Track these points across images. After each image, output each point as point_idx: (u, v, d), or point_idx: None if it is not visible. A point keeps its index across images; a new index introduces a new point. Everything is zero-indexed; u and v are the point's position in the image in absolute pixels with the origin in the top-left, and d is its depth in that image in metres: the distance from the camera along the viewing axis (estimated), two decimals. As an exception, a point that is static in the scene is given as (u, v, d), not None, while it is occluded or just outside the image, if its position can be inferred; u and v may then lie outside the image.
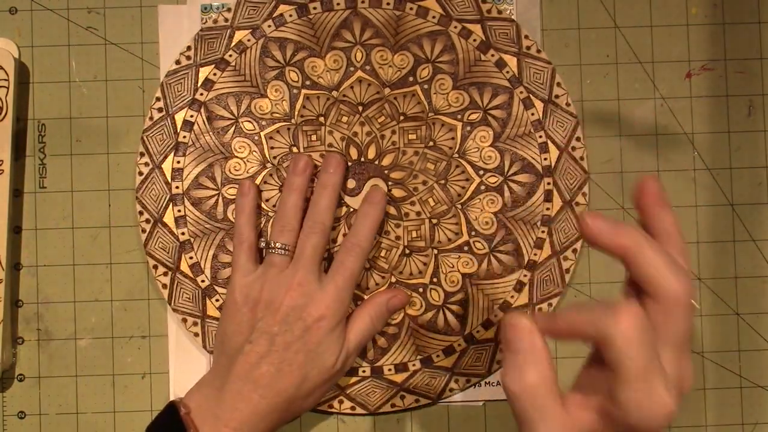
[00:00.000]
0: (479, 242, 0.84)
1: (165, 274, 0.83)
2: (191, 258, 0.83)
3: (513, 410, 0.57)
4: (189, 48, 0.84)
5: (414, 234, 0.84)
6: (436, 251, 0.84)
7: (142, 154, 0.83)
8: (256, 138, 0.83)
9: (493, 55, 0.84)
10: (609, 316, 0.53)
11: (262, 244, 0.81)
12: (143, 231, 0.83)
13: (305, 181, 0.81)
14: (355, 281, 0.80)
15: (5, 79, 0.82)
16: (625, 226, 0.56)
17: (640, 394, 0.53)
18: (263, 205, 0.83)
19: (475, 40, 0.84)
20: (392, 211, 0.83)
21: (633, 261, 0.56)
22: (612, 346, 0.53)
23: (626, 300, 0.54)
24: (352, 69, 0.84)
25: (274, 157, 0.83)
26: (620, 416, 0.54)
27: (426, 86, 0.84)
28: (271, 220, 0.83)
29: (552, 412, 0.56)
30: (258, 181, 0.83)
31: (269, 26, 0.84)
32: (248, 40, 0.84)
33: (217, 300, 0.83)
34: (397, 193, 0.83)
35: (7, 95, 0.82)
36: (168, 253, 0.83)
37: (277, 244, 0.79)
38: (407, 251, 0.84)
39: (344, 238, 0.81)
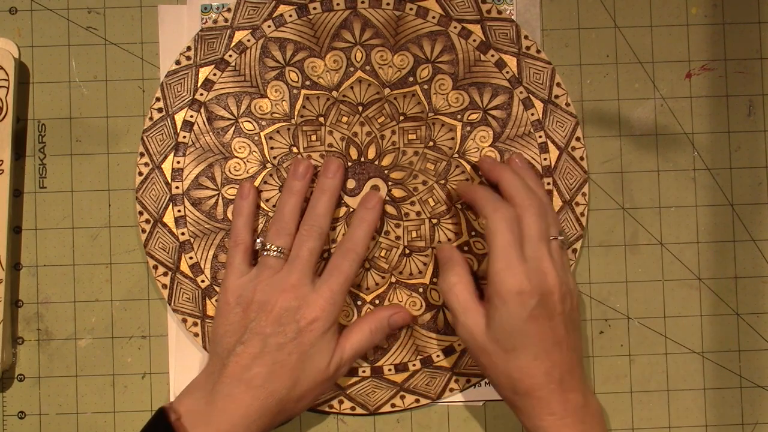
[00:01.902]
0: (479, 242, 0.84)
1: (165, 274, 0.83)
2: (191, 258, 0.83)
3: (446, 305, 0.80)
4: (189, 48, 0.84)
5: (414, 234, 0.84)
6: (436, 251, 0.84)
7: (142, 154, 0.83)
8: (256, 138, 0.84)
9: (492, 56, 0.84)
10: (491, 206, 0.77)
11: (258, 246, 0.81)
12: (143, 231, 0.83)
13: (305, 185, 0.81)
14: (349, 285, 0.80)
15: (5, 79, 0.82)
16: (499, 164, 0.82)
17: (501, 264, 0.75)
18: (263, 205, 0.83)
19: (474, 41, 0.84)
20: (392, 211, 0.83)
21: (500, 183, 0.80)
22: (487, 228, 0.76)
23: (505, 203, 0.77)
24: (352, 69, 0.84)
25: (274, 158, 0.83)
26: (490, 288, 0.75)
27: (426, 86, 0.84)
28: (270, 222, 0.82)
29: (469, 303, 0.77)
30: (258, 181, 0.83)
31: (269, 26, 0.84)
32: (248, 41, 0.84)
33: (217, 300, 0.83)
34: (397, 193, 0.83)
35: (7, 95, 0.82)
36: (168, 253, 0.83)
37: (273, 247, 0.79)
38: (407, 251, 0.84)
39: (340, 242, 0.81)
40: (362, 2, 0.84)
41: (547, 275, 0.75)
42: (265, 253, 0.79)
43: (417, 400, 0.83)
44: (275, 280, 0.78)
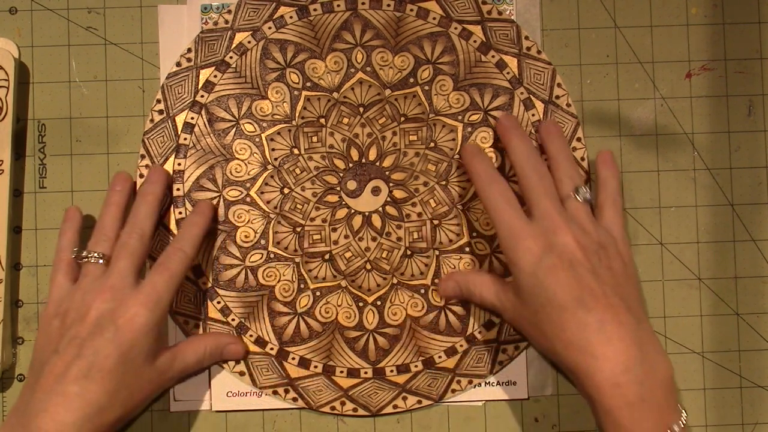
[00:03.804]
0: (480, 243, 0.84)
1: (166, 276, 0.83)
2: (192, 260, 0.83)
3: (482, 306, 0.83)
4: (189, 50, 0.84)
5: (415, 235, 0.84)
6: (437, 252, 0.84)
7: (143, 156, 0.83)
8: (257, 140, 0.83)
9: (493, 56, 0.84)
10: (486, 179, 0.78)
11: (74, 254, 0.79)
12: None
13: (122, 196, 0.81)
14: (176, 284, 0.78)
15: (5, 79, 0.82)
16: (510, 129, 0.81)
17: (504, 232, 0.76)
18: (264, 206, 0.83)
19: (475, 41, 0.84)
20: (393, 212, 0.84)
21: (506, 149, 0.81)
22: (485, 205, 0.78)
23: (498, 176, 0.79)
24: (352, 70, 0.84)
25: (275, 159, 0.83)
26: (507, 261, 0.77)
27: (427, 87, 0.84)
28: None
29: (496, 286, 0.79)
30: (259, 182, 0.83)
31: (270, 28, 0.84)
32: (249, 42, 0.84)
33: (218, 302, 0.83)
34: (399, 194, 0.83)
35: (7, 95, 0.82)
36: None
37: (92, 253, 0.78)
38: (408, 252, 0.84)
39: (168, 245, 0.80)
40: (363, 3, 0.84)
41: (557, 230, 0.74)
42: (85, 260, 0.78)
43: (419, 401, 0.83)
44: (94, 284, 0.76)
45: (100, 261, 0.78)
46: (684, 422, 0.71)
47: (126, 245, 0.78)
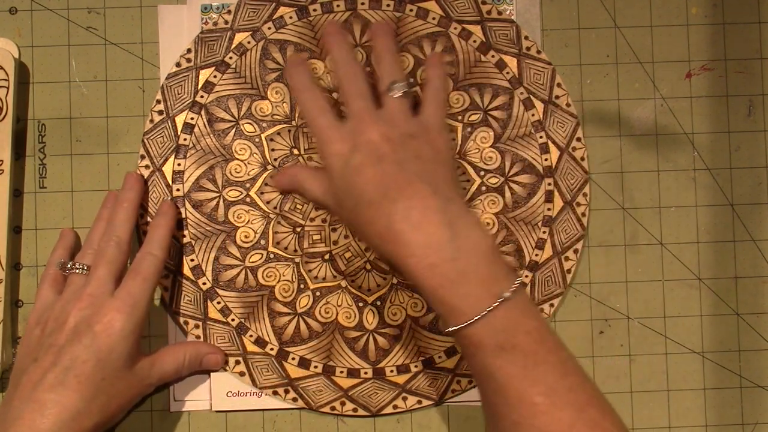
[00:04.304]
0: None
1: (166, 276, 0.83)
2: (192, 260, 0.83)
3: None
4: (189, 50, 0.84)
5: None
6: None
7: (142, 157, 0.83)
8: (257, 140, 0.84)
9: (493, 56, 0.84)
10: (299, 88, 0.77)
11: (58, 266, 0.80)
12: (144, 233, 0.83)
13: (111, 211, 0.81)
14: (151, 288, 0.78)
15: (5, 79, 0.82)
16: (333, 37, 0.78)
17: (318, 137, 0.75)
18: (264, 207, 0.83)
19: (475, 41, 0.84)
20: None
21: (328, 53, 0.79)
22: (301, 111, 0.78)
23: (313, 85, 0.77)
24: (352, 70, 0.84)
25: (275, 159, 0.83)
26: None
27: (426, 87, 0.84)
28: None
29: (309, 174, 0.80)
30: (259, 182, 0.83)
31: (269, 28, 0.84)
32: (248, 42, 0.84)
33: (218, 302, 0.83)
34: (398, 194, 0.84)
35: (7, 95, 0.82)
36: (169, 255, 0.83)
37: (77, 264, 0.78)
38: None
39: (138, 250, 0.80)
40: (362, 3, 0.84)
41: (365, 129, 0.73)
42: (70, 272, 0.79)
43: (419, 402, 0.83)
44: (74, 293, 0.77)
45: (85, 271, 0.78)
46: (516, 285, 0.68)
47: (103, 253, 0.78)
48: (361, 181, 0.71)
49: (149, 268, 0.78)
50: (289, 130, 0.84)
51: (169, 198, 0.83)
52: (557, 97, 0.84)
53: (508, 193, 0.84)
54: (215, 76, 0.83)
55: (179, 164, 0.83)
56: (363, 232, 0.72)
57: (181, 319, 0.83)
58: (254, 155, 0.83)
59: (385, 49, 0.78)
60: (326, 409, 0.83)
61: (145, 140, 0.84)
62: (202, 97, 0.83)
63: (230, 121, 0.83)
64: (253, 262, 0.83)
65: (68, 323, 0.74)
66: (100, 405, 0.73)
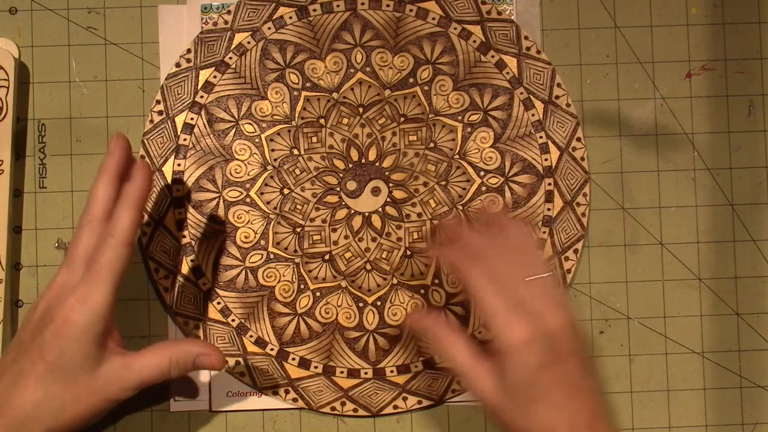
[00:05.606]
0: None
1: (166, 276, 0.83)
2: (192, 261, 0.83)
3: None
4: (189, 51, 0.84)
5: (415, 235, 0.84)
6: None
7: (142, 157, 0.83)
8: (257, 140, 0.84)
9: (493, 56, 0.84)
10: (464, 263, 0.71)
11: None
12: (144, 234, 0.83)
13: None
14: (117, 274, 0.69)
15: (5, 79, 0.82)
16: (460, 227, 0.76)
17: (495, 320, 0.68)
18: (264, 207, 0.83)
19: (475, 42, 0.84)
20: (393, 212, 0.84)
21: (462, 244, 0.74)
22: (468, 288, 0.70)
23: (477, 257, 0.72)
24: (352, 71, 0.84)
25: (275, 159, 0.83)
26: (494, 345, 0.68)
27: (426, 88, 0.84)
28: None
29: (471, 365, 0.70)
30: (259, 183, 0.83)
31: (269, 28, 0.84)
32: (248, 43, 0.84)
33: (218, 303, 0.83)
34: (398, 194, 0.83)
35: (7, 95, 0.82)
36: (169, 255, 0.83)
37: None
38: (409, 252, 0.84)
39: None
40: (362, 4, 0.84)
41: (544, 315, 0.68)
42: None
43: (419, 402, 0.83)
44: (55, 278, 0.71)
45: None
46: None
47: (78, 236, 0.71)
48: (547, 378, 0.67)
49: (109, 262, 0.69)
50: (289, 131, 0.84)
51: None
52: (557, 97, 0.84)
53: (508, 193, 0.84)
54: (215, 77, 0.84)
55: (179, 164, 0.83)
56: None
57: (181, 320, 0.83)
58: (254, 155, 0.83)
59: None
60: (326, 410, 0.83)
61: (145, 140, 0.84)
62: (201, 97, 0.83)
63: (230, 121, 0.83)
64: (253, 262, 0.83)
65: (35, 316, 0.70)
66: (51, 410, 0.68)
